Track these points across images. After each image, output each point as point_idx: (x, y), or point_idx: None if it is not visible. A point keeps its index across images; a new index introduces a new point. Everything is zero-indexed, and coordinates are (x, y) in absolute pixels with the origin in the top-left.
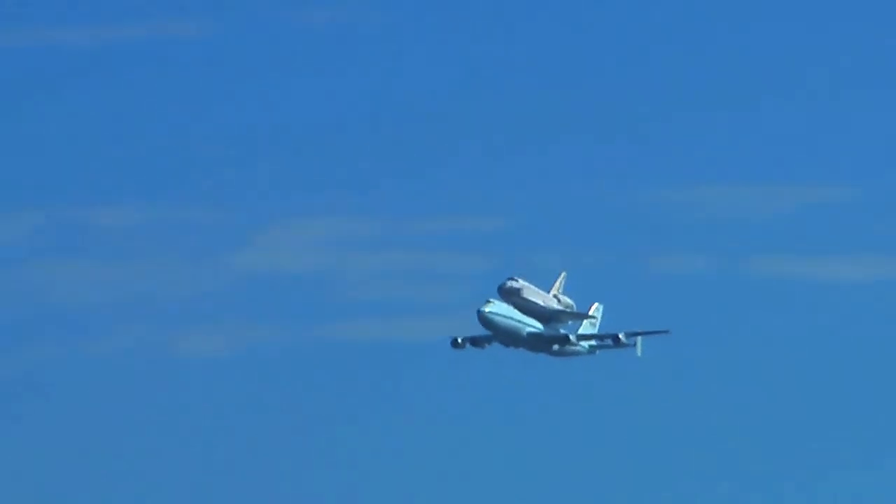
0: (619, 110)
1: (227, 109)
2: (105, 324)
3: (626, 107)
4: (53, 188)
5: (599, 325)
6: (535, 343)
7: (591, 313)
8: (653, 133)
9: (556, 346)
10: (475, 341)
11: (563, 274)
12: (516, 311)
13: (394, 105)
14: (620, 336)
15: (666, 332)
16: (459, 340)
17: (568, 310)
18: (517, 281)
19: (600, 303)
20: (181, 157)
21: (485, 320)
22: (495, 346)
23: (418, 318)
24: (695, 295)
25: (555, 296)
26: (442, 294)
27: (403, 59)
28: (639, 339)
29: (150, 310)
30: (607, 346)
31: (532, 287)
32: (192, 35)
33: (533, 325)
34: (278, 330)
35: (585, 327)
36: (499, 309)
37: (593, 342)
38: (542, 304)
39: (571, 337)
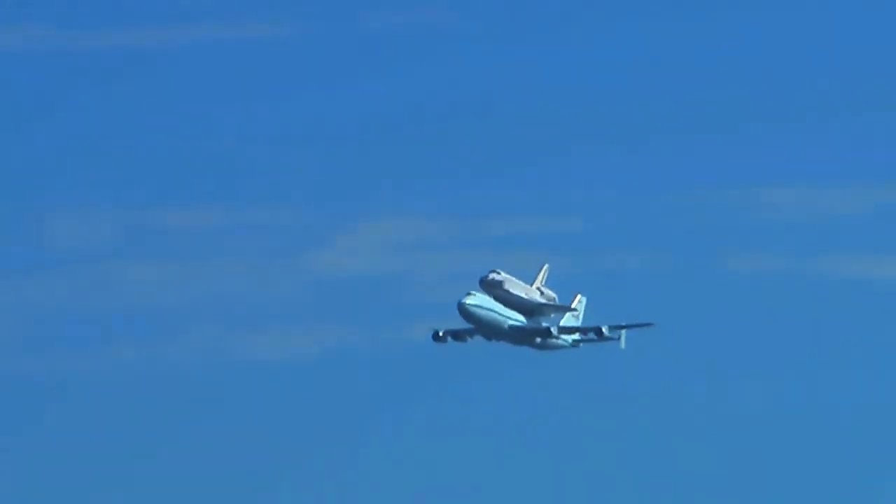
0: (697, 111)
1: (304, 111)
2: (182, 325)
3: (703, 107)
4: (132, 190)
5: (583, 318)
6: (518, 336)
7: (573, 306)
8: (730, 134)
9: (538, 339)
10: (456, 334)
11: (545, 266)
12: (498, 304)
13: (467, 106)
14: (603, 329)
15: (650, 324)
16: (441, 333)
17: (550, 302)
18: (499, 273)
19: (584, 295)
20: (257, 160)
21: (465, 312)
22: (477, 340)
23: None
24: (769, 294)
25: (538, 288)
26: None
27: (475, 60)
28: (623, 332)
29: (227, 311)
30: (591, 340)
31: (514, 279)
32: (266, 36)
33: (515, 318)
34: (354, 332)
35: (568, 320)
36: (480, 301)
37: (576, 335)
38: (524, 296)
39: (553, 330)
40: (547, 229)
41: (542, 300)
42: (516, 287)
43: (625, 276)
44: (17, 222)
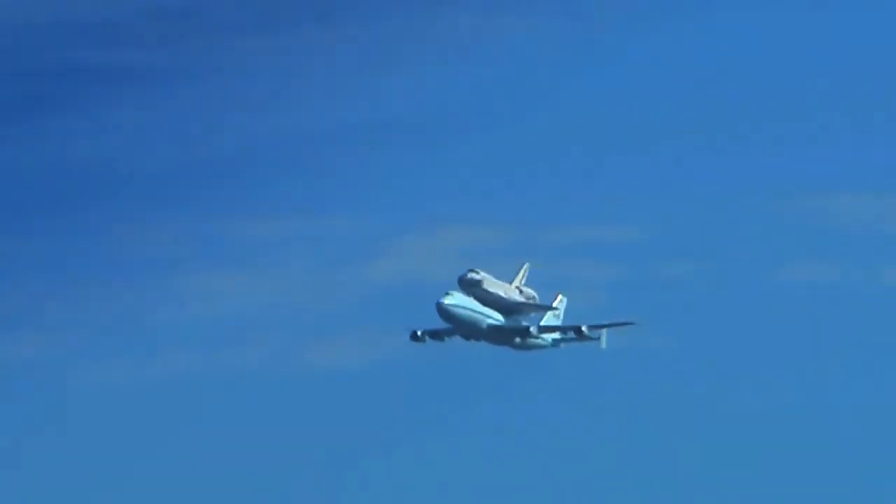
0: (753, 117)
1: (362, 117)
2: (241, 333)
3: (759, 113)
4: (192, 199)
5: (564, 318)
6: (497, 335)
7: (554, 305)
8: (786, 140)
9: (517, 339)
10: (435, 334)
11: (525, 265)
12: (477, 303)
13: (524, 111)
14: (583, 328)
15: (631, 323)
16: (419, 333)
17: (530, 301)
18: (478, 273)
19: (564, 294)
20: (314, 167)
21: (444, 312)
22: (456, 339)
23: None
24: (824, 304)
25: (517, 287)
26: (575, 303)
27: (529, 64)
28: (604, 331)
29: (286, 320)
30: (571, 339)
31: (493, 279)
32: (316, 44)
33: (494, 318)
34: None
35: (549, 319)
36: (458, 301)
37: (556, 335)
38: (503, 295)
39: (533, 329)
40: (601, 237)
41: (522, 299)
42: (495, 286)
43: (676, 284)
44: (87, 230)
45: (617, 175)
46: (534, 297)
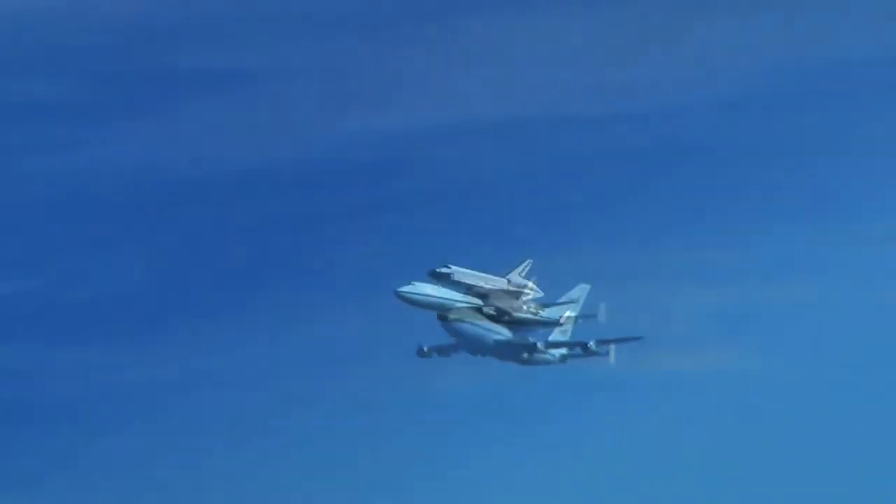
0: (870, 133)
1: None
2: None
3: (866, 133)
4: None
5: (572, 334)
6: (503, 351)
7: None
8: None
9: (525, 355)
10: (441, 350)
11: (527, 261)
12: (484, 319)
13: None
14: (590, 344)
15: (639, 338)
16: (425, 349)
17: (534, 316)
18: (448, 267)
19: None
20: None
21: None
22: (463, 355)
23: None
24: None
25: (508, 279)
26: (679, 326)
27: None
28: (612, 346)
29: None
30: (578, 355)
31: (467, 270)
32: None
33: (500, 333)
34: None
35: (556, 335)
36: (418, 289)
37: (564, 350)
38: (484, 285)
39: (539, 345)
40: (723, 257)
41: (511, 287)
42: (470, 277)
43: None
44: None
45: (719, 196)
46: (524, 285)
